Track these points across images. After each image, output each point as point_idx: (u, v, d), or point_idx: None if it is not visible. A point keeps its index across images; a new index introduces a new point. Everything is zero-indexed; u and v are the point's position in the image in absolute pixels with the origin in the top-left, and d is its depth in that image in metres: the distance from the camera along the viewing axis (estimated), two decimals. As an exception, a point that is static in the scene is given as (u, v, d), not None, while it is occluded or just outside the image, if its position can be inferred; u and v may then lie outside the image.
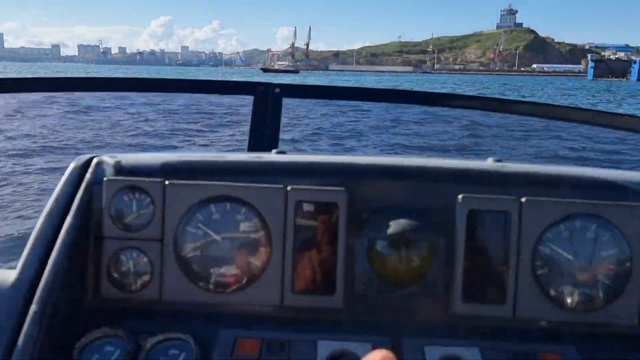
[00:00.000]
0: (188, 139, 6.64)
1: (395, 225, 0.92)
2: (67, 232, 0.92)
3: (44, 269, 0.88)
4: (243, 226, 0.95)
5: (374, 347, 0.89)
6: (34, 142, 5.17)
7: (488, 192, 0.98)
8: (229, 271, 0.95)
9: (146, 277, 0.94)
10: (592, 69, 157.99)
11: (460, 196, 0.93)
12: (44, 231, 0.93)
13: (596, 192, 0.99)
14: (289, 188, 0.93)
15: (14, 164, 4.32)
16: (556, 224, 0.95)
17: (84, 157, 1.01)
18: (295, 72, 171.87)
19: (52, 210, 0.95)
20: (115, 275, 0.95)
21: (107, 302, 0.96)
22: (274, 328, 0.92)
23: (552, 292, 0.94)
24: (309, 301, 0.95)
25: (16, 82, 1.61)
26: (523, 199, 0.94)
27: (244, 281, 0.94)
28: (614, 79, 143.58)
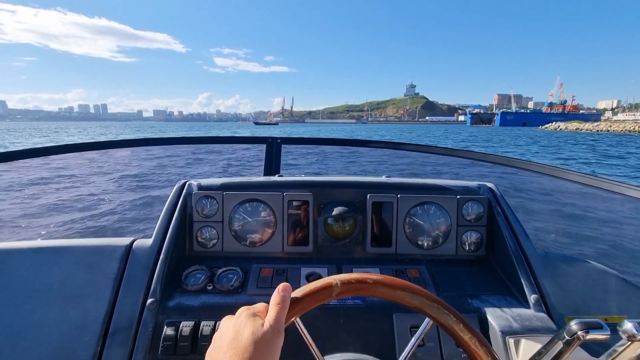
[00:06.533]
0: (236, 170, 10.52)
1: (337, 210, 1.33)
2: (176, 219, 1.29)
3: (165, 238, 1.25)
4: (262, 214, 1.34)
5: (329, 271, 1.23)
6: (160, 176, 9.03)
7: (382, 192, 1.35)
8: (256, 236, 1.33)
9: (215, 240, 1.32)
10: (470, 119, 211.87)
11: (368, 195, 1.35)
12: (164, 219, 1.29)
13: (434, 191, 1.38)
14: (284, 194, 1.35)
15: (154, 188, 7.71)
16: (415, 206, 1.34)
17: (182, 181, 1.42)
18: (275, 124, 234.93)
19: (168, 209, 1.32)
20: (200, 240, 1.32)
21: (196, 253, 1.32)
22: (279, 263, 1.29)
23: (415, 240, 1.33)
24: (296, 249, 1.34)
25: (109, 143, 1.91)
26: (399, 195, 1.33)
27: (263, 241, 1.33)
28: (483, 125, 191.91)
